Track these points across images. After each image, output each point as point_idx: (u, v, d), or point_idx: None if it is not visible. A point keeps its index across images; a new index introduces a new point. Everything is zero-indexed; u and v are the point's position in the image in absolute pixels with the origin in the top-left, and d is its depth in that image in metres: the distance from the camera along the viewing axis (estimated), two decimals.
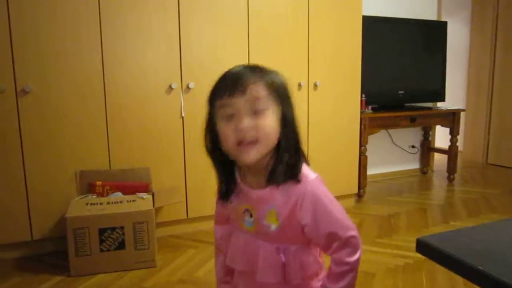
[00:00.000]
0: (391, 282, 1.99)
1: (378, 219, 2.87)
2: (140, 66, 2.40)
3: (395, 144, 4.02)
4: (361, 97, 3.12)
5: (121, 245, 2.11)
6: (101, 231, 2.08)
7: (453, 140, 3.78)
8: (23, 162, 2.22)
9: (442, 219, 2.90)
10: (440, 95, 3.88)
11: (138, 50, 2.38)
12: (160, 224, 2.48)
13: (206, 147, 0.97)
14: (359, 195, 3.29)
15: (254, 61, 2.61)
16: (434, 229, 2.64)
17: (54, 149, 2.27)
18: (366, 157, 3.27)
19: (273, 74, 0.88)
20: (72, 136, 2.30)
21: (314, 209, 0.87)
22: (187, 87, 2.49)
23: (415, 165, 4.21)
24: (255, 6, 2.61)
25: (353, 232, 0.89)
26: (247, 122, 0.82)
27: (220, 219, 1.07)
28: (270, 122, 0.83)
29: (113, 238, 2.10)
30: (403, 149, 4.08)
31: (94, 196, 2.27)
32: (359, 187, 3.22)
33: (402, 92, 3.62)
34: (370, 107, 3.37)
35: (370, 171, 3.64)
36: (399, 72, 3.64)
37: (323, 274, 0.97)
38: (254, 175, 0.92)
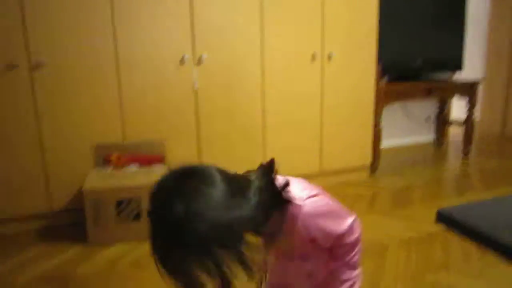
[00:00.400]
0: (405, 254, 2.00)
1: (392, 192, 2.86)
2: (152, 37, 2.37)
3: (410, 116, 3.96)
4: (377, 67, 3.05)
5: (138, 216, 2.15)
6: (118, 203, 2.12)
7: (470, 111, 3.69)
8: (39, 136, 2.25)
9: (457, 191, 2.88)
10: (458, 64, 3.76)
11: (150, 21, 2.35)
12: None
13: None
14: (373, 167, 3.27)
15: (268, 31, 2.56)
16: (449, 202, 2.63)
17: (70, 123, 2.29)
18: (380, 129, 3.23)
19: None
20: (87, 110, 2.31)
21: (315, 225, 0.91)
22: (200, 58, 2.46)
23: (430, 137, 4.15)
24: None
25: (348, 224, 0.94)
26: None
27: None
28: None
29: (130, 209, 2.14)
30: (418, 120, 4.02)
31: (110, 169, 2.30)
32: (373, 159, 3.20)
33: (420, 61, 3.52)
34: (385, 77, 3.29)
35: (384, 143, 3.61)
36: (416, 41, 3.53)
37: None
38: None
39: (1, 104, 2.15)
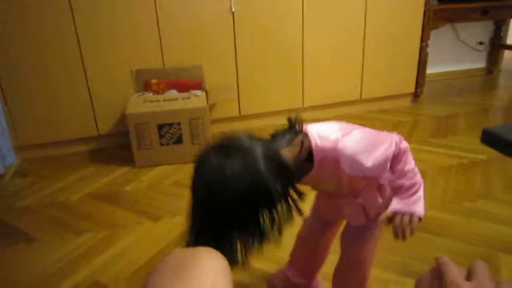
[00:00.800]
0: (444, 181, 1.98)
1: (434, 120, 2.77)
2: None
3: (461, 40, 3.69)
4: None
5: (179, 140, 2.23)
6: (160, 127, 2.19)
7: None
8: (83, 64, 2.30)
9: (504, 121, 2.75)
10: None
11: None
12: (214, 121, 2.57)
13: None
14: (416, 95, 3.15)
15: None
16: None
17: (110, 48, 2.32)
18: (426, 54, 3.05)
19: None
20: (126, 36, 2.32)
21: (349, 161, 0.89)
22: None
23: (481, 64, 3.89)
24: None
25: (393, 146, 0.92)
26: None
27: None
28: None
29: (171, 133, 2.21)
30: (469, 45, 3.74)
31: (150, 94, 2.36)
32: (417, 86, 3.07)
33: None
34: None
35: (431, 70, 3.42)
36: None
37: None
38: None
39: (43, 31, 2.20)
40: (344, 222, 1.13)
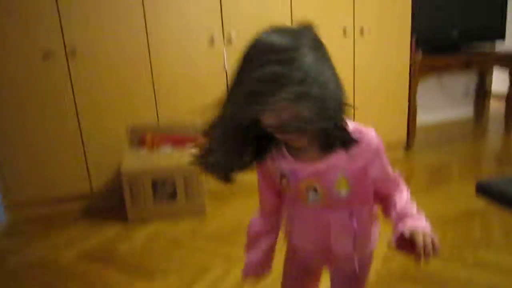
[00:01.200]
0: (443, 232, 1.95)
1: (429, 169, 2.79)
2: (182, 18, 2.38)
3: (447, 90, 3.81)
4: (411, 39, 2.94)
5: (173, 196, 2.21)
6: (154, 183, 2.18)
7: None
8: (78, 121, 2.32)
9: (498, 168, 2.77)
10: (500, 34, 3.55)
11: (179, 3, 2.35)
12: (208, 176, 2.55)
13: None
14: (408, 144, 3.19)
15: (297, 5, 2.51)
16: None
17: (105, 105, 2.35)
18: (416, 104, 3.13)
19: (315, 55, 0.75)
20: (121, 93, 2.36)
21: (383, 165, 0.90)
22: (229, 38, 2.45)
23: (469, 112, 3.98)
24: None
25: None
26: (286, 116, 0.74)
27: (270, 207, 1.01)
28: (308, 115, 0.75)
29: (165, 189, 2.19)
30: (456, 95, 3.86)
31: (145, 150, 2.36)
32: (408, 135, 3.12)
33: (457, 31, 3.35)
34: (421, 50, 3.16)
35: (420, 119, 3.49)
36: (453, 9, 3.34)
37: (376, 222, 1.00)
38: (309, 151, 0.86)
39: (40, 90, 2.23)
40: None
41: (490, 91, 3.94)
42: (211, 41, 2.43)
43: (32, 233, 2.18)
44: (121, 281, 1.71)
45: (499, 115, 3.80)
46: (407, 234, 0.79)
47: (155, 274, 1.75)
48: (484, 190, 0.81)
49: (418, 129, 3.35)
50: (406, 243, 0.80)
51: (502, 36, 3.55)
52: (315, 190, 0.88)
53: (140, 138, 2.40)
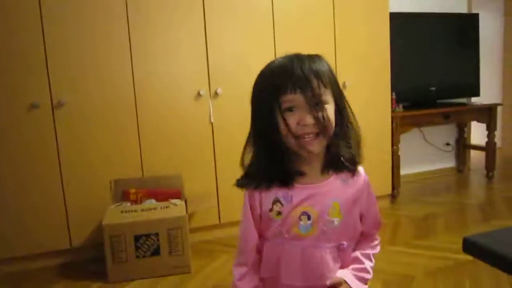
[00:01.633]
0: (431, 285, 1.92)
1: (414, 220, 2.78)
2: (168, 74, 2.44)
3: (429, 142, 3.91)
4: (392, 95, 3.05)
5: (156, 251, 2.13)
6: (137, 238, 2.11)
7: (491, 136, 3.63)
8: (60, 173, 2.29)
9: (482, 218, 2.78)
10: (474, 90, 3.73)
11: (166, 59, 2.42)
12: (193, 230, 2.50)
13: (254, 136, 0.94)
14: (393, 196, 3.21)
15: None
16: (474, 229, 2.54)
17: (89, 159, 2.33)
18: (399, 157, 3.19)
19: (325, 63, 0.88)
20: (106, 146, 2.35)
21: (370, 197, 0.97)
22: (215, 93, 2.50)
23: (451, 164, 4.07)
24: (280, 10, 2.60)
25: None
26: (309, 118, 0.82)
27: (253, 249, 0.95)
28: (330, 115, 0.85)
29: (148, 244, 2.13)
30: (437, 147, 3.95)
31: (128, 204, 2.31)
32: (393, 187, 3.14)
33: (434, 88, 3.51)
34: (401, 105, 3.28)
35: (404, 171, 3.55)
36: (430, 68, 3.53)
37: None
38: (310, 168, 0.90)
39: (24, 141, 2.22)
40: None
41: (470, 143, 4.05)
42: (198, 95, 2.48)
43: None
44: None
45: (480, 166, 3.89)
46: (336, 281, 0.88)
47: None
48: (471, 247, 0.81)
49: (403, 181, 3.39)
50: None
51: (477, 93, 3.73)
52: (308, 218, 0.89)
53: (123, 192, 2.36)
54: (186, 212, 2.21)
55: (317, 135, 0.84)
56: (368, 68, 2.88)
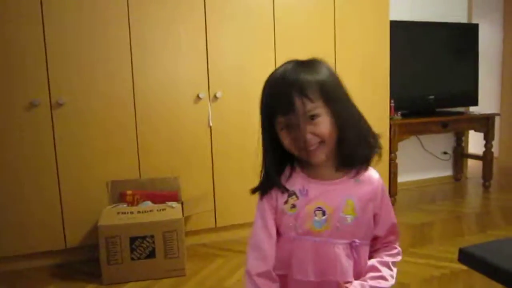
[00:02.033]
0: None
1: (411, 228, 2.79)
2: (168, 76, 2.44)
3: (427, 151, 3.91)
4: (390, 103, 3.06)
5: (152, 254, 2.13)
6: (132, 240, 2.10)
7: (488, 145, 3.64)
8: (57, 173, 2.28)
9: (478, 228, 2.78)
10: (472, 100, 3.75)
11: (166, 61, 2.42)
12: (189, 233, 2.49)
13: (264, 146, 0.95)
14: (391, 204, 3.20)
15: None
16: (470, 239, 2.54)
17: (87, 159, 2.33)
18: (396, 164, 3.20)
19: (320, 71, 0.89)
20: (104, 147, 2.35)
21: (385, 201, 0.96)
22: (215, 96, 2.50)
23: (448, 172, 4.07)
24: (281, 16, 2.61)
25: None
26: (305, 135, 0.84)
27: (271, 246, 0.93)
28: (327, 125, 0.86)
29: (144, 246, 2.12)
30: (435, 155, 3.96)
31: (125, 205, 2.31)
32: (390, 195, 3.14)
33: (433, 97, 3.52)
34: (399, 113, 3.29)
35: (401, 179, 3.55)
36: (429, 76, 3.55)
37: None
38: (324, 167, 0.93)
39: (22, 141, 2.21)
40: None
41: (467, 152, 4.06)
42: (197, 98, 2.48)
43: None
44: None
45: (477, 175, 3.90)
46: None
47: None
48: (467, 258, 0.81)
49: (400, 189, 3.40)
50: None
51: (475, 102, 3.75)
52: (323, 214, 0.90)
53: (120, 194, 2.36)
54: (183, 215, 2.20)
55: (319, 145, 0.87)
56: (368, 75, 2.89)
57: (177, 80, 2.46)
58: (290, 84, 0.85)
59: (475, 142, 4.08)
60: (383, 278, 0.92)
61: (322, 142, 0.86)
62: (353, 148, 0.89)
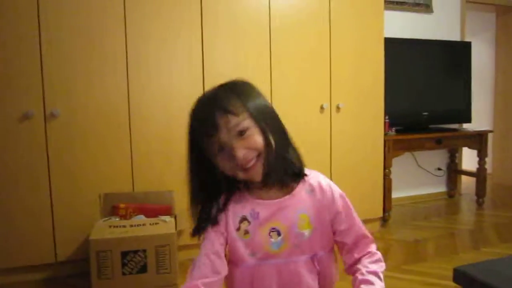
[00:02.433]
0: None
1: (405, 245, 2.77)
2: (163, 89, 2.44)
3: (421, 167, 3.93)
4: (385, 119, 3.08)
5: (143, 269, 2.09)
6: (124, 254, 2.07)
7: (481, 162, 3.66)
8: (49, 185, 2.26)
9: (472, 245, 2.78)
10: (466, 116, 3.79)
11: (162, 74, 2.43)
12: (182, 248, 2.46)
13: (192, 174, 0.93)
14: (384, 219, 3.20)
15: (277, 82, 2.63)
16: (464, 256, 2.53)
17: (80, 171, 2.31)
18: (390, 180, 3.20)
19: (241, 86, 0.89)
20: (97, 159, 2.33)
21: (340, 202, 0.94)
22: None
23: (442, 188, 4.08)
24: (277, 27, 2.64)
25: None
26: (240, 152, 0.81)
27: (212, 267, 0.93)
28: (258, 136, 0.84)
29: (135, 261, 2.09)
30: (428, 171, 3.98)
31: (117, 219, 2.28)
32: (384, 211, 3.14)
33: (427, 113, 3.55)
34: (393, 129, 3.31)
35: (395, 195, 3.55)
36: (423, 93, 3.59)
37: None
38: (268, 190, 0.91)
39: (14, 152, 2.19)
40: None
41: (461, 168, 4.08)
42: None
43: None
44: None
45: (471, 191, 3.91)
46: None
47: None
48: (461, 277, 0.80)
49: (395, 204, 3.40)
50: None
51: (468, 119, 3.79)
52: (278, 234, 0.88)
53: (113, 207, 2.33)
54: (176, 229, 2.18)
55: (255, 160, 0.84)
56: (363, 91, 2.91)
57: (173, 93, 2.47)
58: (212, 104, 0.84)
59: (468, 158, 4.11)
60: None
61: (258, 155, 0.84)
62: (285, 161, 0.88)
